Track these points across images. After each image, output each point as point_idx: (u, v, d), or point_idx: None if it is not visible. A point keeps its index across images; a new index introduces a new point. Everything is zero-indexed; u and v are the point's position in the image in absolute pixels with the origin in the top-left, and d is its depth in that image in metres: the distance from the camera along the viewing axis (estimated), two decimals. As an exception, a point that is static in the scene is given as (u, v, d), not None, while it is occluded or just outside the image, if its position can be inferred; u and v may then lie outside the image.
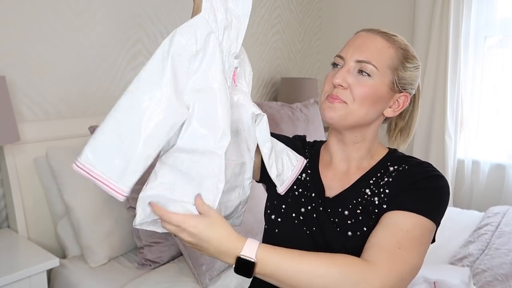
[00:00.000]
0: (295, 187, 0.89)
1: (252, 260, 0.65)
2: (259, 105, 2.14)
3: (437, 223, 0.74)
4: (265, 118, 0.80)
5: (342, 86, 0.78)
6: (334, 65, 0.83)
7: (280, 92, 2.72)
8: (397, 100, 0.83)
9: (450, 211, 2.15)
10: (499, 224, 1.83)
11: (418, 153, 2.70)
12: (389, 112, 0.84)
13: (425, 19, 2.63)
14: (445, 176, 2.74)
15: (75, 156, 0.61)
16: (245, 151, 0.78)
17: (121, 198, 0.61)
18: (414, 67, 0.83)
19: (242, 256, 0.65)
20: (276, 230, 0.88)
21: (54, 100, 1.66)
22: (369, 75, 0.78)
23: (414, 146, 2.72)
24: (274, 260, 0.66)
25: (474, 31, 2.54)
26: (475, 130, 2.62)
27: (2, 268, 1.22)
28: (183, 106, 0.64)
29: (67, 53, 1.68)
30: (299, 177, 0.90)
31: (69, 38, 1.68)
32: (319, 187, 0.87)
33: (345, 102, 0.79)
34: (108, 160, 0.61)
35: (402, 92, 0.82)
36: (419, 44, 2.66)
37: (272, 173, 0.83)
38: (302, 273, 0.65)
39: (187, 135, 0.66)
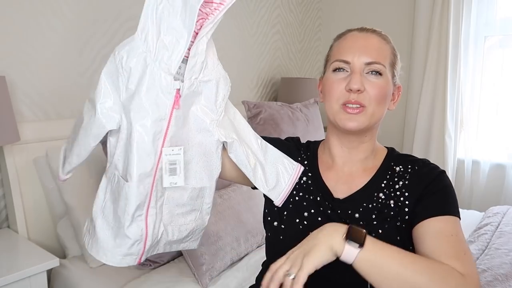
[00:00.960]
0: (295, 192, 0.88)
1: (364, 230, 0.67)
2: (259, 106, 2.15)
3: (460, 215, 0.78)
4: (236, 143, 0.79)
5: (360, 91, 0.79)
6: (337, 69, 0.82)
7: (280, 92, 2.72)
8: (393, 92, 0.86)
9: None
10: (499, 224, 1.83)
11: (418, 153, 2.69)
12: (391, 106, 0.86)
13: (425, 19, 2.63)
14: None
15: None
16: (204, 177, 0.79)
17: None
18: (399, 58, 0.87)
19: (353, 226, 0.67)
20: (281, 237, 0.86)
21: (54, 100, 1.66)
22: (380, 74, 0.80)
23: (414, 146, 2.72)
24: (379, 244, 0.67)
25: (474, 31, 2.53)
26: (475, 130, 2.62)
27: (2, 268, 1.22)
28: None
29: (67, 53, 1.68)
30: (298, 181, 0.89)
31: (69, 38, 1.68)
32: (324, 189, 0.86)
33: (363, 106, 0.80)
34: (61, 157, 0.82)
35: (396, 84, 0.86)
36: (419, 44, 2.66)
37: (263, 189, 0.83)
38: (408, 266, 0.65)
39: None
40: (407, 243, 0.78)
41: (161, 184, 0.74)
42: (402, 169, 0.84)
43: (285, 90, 2.67)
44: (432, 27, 2.56)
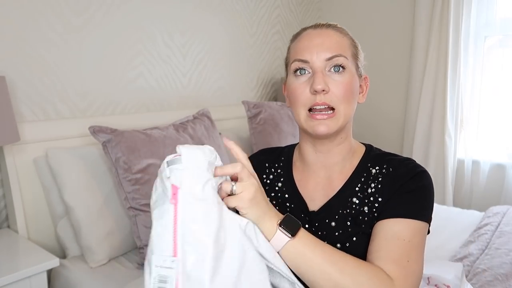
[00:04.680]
0: (268, 199, 0.85)
1: (299, 222, 0.67)
2: (259, 106, 2.15)
3: (430, 220, 0.75)
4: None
5: (325, 91, 0.74)
6: (298, 70, 0.78)
7: (280, 92, 2.72)
8: (361, 84, 0.83)
9: (450, 211, 2.15)
10: (499, 224, 1.83)
11: (418, 153, 2.69)
12: (361, 98, 0.83)
13: (425, 19, 2.63)
14: (445, 176, 2.73)
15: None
16: None
17: None
18: (360, 48, 0.83)
19: (290, 215, 0.67)
20: None
21: (54, 100, 1.66)
22: (344, 68, 0.76)
23: (414, 146, 2.72)
24: (313, 239, 0.67)
25: (474, 31, 2.53)
26: (475, 130, 2.62)
27: (2, 268, 1.22)
28: None
29: (67, 53, 1.68)
30: (274, 187, 0.87)
31: (69, 38, 1.68)
32: (299, 201, 0.83)
33: (332, 109, 0.75)
34: None
35: (362, 75, 0.83)
36: (419, 44, 2.66)
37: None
38: (334, 263, 0.65)
39: None
40: None
41: None
42: (377, 171, 0.80)
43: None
44: (432, 27, 2.56)
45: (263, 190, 0.68)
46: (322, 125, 0.75)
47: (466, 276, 1.38)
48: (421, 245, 0.72)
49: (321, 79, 0.74)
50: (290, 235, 0.64)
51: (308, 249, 0.65)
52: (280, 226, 0.65)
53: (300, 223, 0.66)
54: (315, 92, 0.75)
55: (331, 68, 0.76)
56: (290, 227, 0.65)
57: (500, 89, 2.52)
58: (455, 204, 2.67)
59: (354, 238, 0.76)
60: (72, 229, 1.52)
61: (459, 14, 2.49)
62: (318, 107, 0.75)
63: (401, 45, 2.80)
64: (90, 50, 1.77)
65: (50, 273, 1.50)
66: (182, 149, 0.59)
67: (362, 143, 0.88)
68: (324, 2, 3.18)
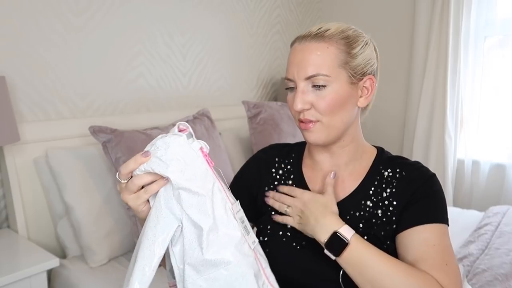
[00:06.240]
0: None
1: (346, 241, 0.71)
2: (259, 106, 2.15)
3: (448, 222, 0.78)
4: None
5: (304, 109, 0.77)
6: (288, 86, 0.81)
7: (280, 92, 2.72)
8: (363, 87, 0.80)
9: (450, 211, 2.13)
10: (499, 224, 1.83)
11: (418, 153, 2.69)
12: (362, 102, 0.81)
13: (425, 19, 2.63)
14: (445, 176, 2.72)
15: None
16: None
17: None
18: (361, 47, 0.78)
19: (339, 232, 0.71)
20: (267, 250, 0.82)
21: (54, 100, 1.66)
22: (324, 86, 0.75)
23: (414, 146, 2.72)
24: (364, 252, 0.71)
25: (474, 31, 2.53)
26: (475, 130, 2.62)
27: (2, 268, 1.22)
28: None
29: (67, 53, 1.68)
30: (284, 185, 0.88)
31: (69, 38, 1.69)
32: None
33: (317, 121, 0.77)
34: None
35: (364, 77, 0.79)
36: (419, 44, 2.66)
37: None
38: (386, 274, 0.68)
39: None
40: (392, 251, 0.77)
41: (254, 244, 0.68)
42: (390, 174, 0.82)
43: (285, 90, 2.66)
44: (432, 27, 2.56)
45: (314, 198, 0.77)
46: (310, 136, 0.79)
47: (466, 277, 1.38)
48: (449, 245, 0.75)
49: (299, 99, 0.76)
50: (334, 256, 0.72)
51: (358, 263, 0.70)
52: (325, 247, 0.72)
53: (347, 242, 0.71)
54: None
55: (311, 85, 0.76)
56: (334, 249, 0.71)
57: (500, 89, 2.52)
58: (455, 204, 2.67)
59: (365, 237, 0.77)
60: (72, 229, 1.52)
61: (459, 14, 2.49)
62: (303, 121, 0.80)
63: (401, 45, 2.80)
64: (90, 50, 1.77)
65: (50, 273, 1.50)
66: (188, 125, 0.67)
67: (374, 146, 0.89)
68: (324, 2, 3.18)
